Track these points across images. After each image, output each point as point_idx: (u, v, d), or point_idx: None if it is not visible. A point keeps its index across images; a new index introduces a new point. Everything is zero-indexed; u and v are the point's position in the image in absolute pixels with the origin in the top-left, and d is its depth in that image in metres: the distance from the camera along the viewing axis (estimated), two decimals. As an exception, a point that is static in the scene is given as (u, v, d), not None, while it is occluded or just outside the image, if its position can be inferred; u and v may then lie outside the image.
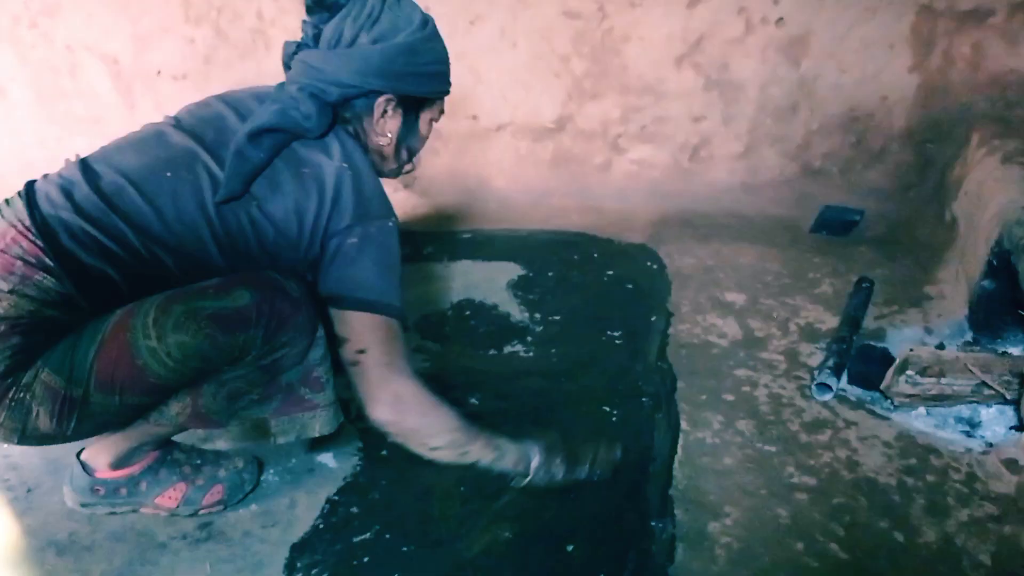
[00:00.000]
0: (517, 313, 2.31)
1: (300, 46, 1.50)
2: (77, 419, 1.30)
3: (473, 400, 1.91)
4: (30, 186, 1.37)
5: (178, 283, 1.35)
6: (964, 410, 1.80)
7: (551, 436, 1.63)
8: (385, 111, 1.50)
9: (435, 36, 1.51)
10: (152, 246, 1.33)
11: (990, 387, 1.75)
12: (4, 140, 3.47)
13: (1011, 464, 1.62)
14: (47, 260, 1.27)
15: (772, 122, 2.95)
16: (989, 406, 1.78)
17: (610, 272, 2.53)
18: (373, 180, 1.50)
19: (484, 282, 2.47)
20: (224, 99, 1.52)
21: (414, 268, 2.56)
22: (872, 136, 2.89)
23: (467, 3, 2.94)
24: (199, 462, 1.59)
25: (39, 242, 1.28)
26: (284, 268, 1.44)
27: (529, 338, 2.17)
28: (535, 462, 1.56)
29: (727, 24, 2.84)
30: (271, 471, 1.68)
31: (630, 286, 2.45)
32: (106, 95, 3.34)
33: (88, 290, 1.31)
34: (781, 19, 2.79)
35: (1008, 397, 1.74)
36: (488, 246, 2.72)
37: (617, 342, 2.15)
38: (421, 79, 1.50)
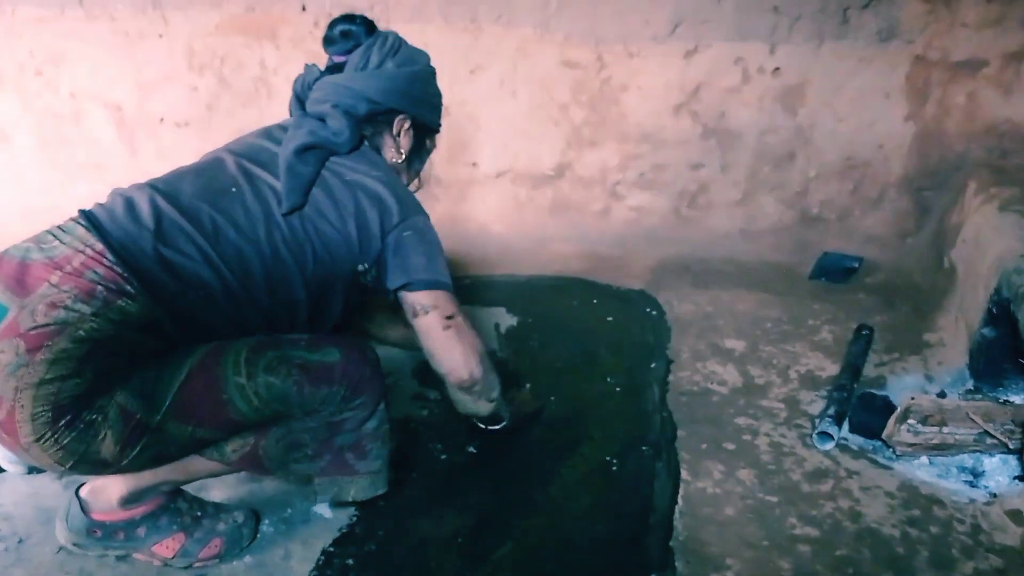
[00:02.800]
0: (516, 359, 2.30)
1: (322, 73, 1.67)
2: (142, 447, 1.32)
3: (471, 449, 1.89)
4: (88, 213, 1.43)
5: (258, 307, 1.47)
6: (967, 459, 1.78)
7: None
8: (402, 129, 1.70)
9: (435, 76, 1.77)
10: (236, 261, 1.44)
11: (993, 436, 1.73)
12: (7, 186, 3.49)
13: (1015, 515, 1.60)
14: (127, 286, 1.32)
15: (770, 169, 2.97)
16: (992, 455, 1.77)
17: (609, 318, 2.53)
18: (404, 183, 1.73)
19: (483, 328, 2.46)
20: (254, 134, 1.68)
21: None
22: (869, 184, 2.91)
23: (468, 52, 2.98)
24: (199, 514, 1.57)
25: (118, 268, 1.33)
26: (343, 280, 1.59)
27: (528, 385, 2.16)
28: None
29: (724, 73, 2.87)
30: (266, 521, 1.66)
31: (629, 332, 2.44)
32: (109, 142, 3.37)
33: (174, 314, 1.36)
34: (778, 69, 2.83)
35: (1011, 447, 1.72)
36: (487, 292, 2.72)
37: (617, 389, 2.13)
38: (432, 108, 1.76)
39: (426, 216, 1.67)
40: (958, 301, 2.29)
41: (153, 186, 1.50)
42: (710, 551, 1.55)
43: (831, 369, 2.16)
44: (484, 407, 1.75)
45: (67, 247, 1.35)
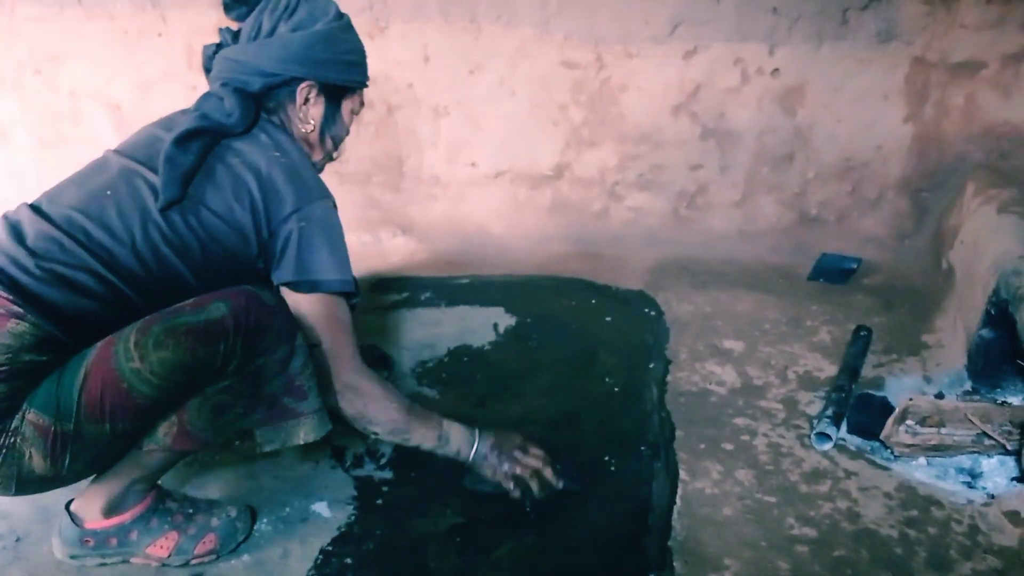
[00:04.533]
0: (514, 360, 2.30)
1: (219, 47, 1.59)
2: (71, 455, 1.31)
3: (470, 448, 1.89)
4: None
5: (152, 301, 1.39)
6: (965, 460, 1.78)
7: (510, 433, 1.72)
8: (308, 98, 1.58)
9: (351, 28, 1.62)
10: (114, 264, 1.40)
11: (991, 437, 1.73)
12: (6, 184, 3.48)
13: (1013, 516, 1.60)
14: (15, 307, 1.29)
15: (769, 170, 2.98)
16: (990, 456, 1.77)
17: (608, 319, 2.53)
18: (307, 164, 1.59)
19: (481, 328, 2.46)
20: (156, 123, 1.62)
21: (411, 314, 2.56)
22: (868, 185, 2.91)
23: (467, 53, 2.98)
24: (191, 511, 1.56)
25: (3, 292, 1.30)
26: (244, 270, 1.51)
27: (526, 385, 2.16)
28: (480, 449, 1.64)
29: (724, 74, 2.87)
30: (264, 520, 1.66)
31: (628, 333, 2.44)
32: (108, 141, 3.33)
33: (67, 327, 1.34)
34: (777, 70, 2.83)
35: (1009, 448, 1.73)
36: (486, 292, 2.71)
37: (615, 389, 2.13)
38: (340, 67, 1.60)
39: (328, 201, 1.56)
40: (956, 302, 2.29)
41: (35, 205, 1.47)
42: (708, 551, 1.55)
43: (829, 370, 2.16)
44: (370, 436, 1.61)
45: None
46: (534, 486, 1.65)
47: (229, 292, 1.38)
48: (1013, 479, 1.71)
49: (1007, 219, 2.19)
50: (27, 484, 1.32)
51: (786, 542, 1.57)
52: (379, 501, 1.70)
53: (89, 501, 1.50)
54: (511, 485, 1.64)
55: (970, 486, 1.72)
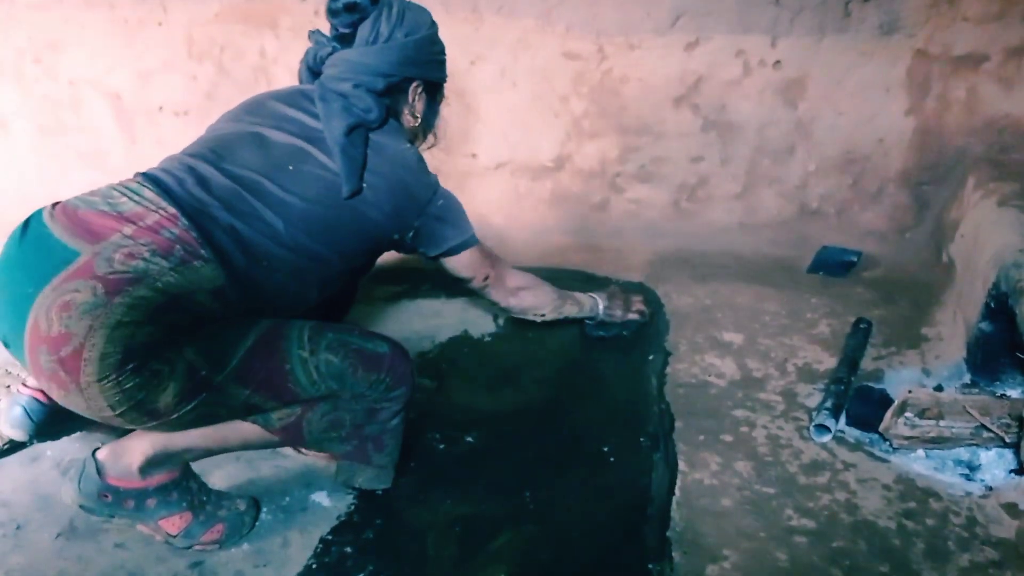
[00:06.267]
0: (514, 351, 2.30)
1: (331, 43, 1.73)
2: (198, 403, 1.38)
3: (469, 439, 1.89)
4: (153, 177, 1.50)
5: (321, 278, 1.65)
6: (963, 453, 1.78)
7: (611, 289, 2.38)
8: (416, 95, 1.80)
9: (438, 30, 1.84)
10: (296, 234, 1.54)
11: (989, 430, 1.74)
12: (5, 174, 3.48)
13: (1011, 508, 1.61)
14: (201, 251, 1.40)
15: (770, 163, 2.97)
16: (988, 449, 1.77)
17: (608, 311, 2.53)
18: (419, 148, 1.87)
19: (481, 319, 2.46)
20: (276, 98, 1.75)
21: (411, 305, 2.56)
22: (869, 178, 2.91)
23: (468, 43, 2.98)
24: (205, 498, 1.57)
25: (193, 232, 1.40)
26: (380, 246, 1.81)
27: (526, 376, 2.16)
28: (601, 305, 2.27)
29: (725, 66, 2.87)
30: (264, 509, 1.66)
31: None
32: (108, 130, 3.36)
33: (238, 282, 1.45)
34: (779, 62, 2.83)
35: (1007, 440, 1.73)
36: (486, 283, 2.71)
37: (614, 381, 2.14)
38: (439, 66, 1.86)
39: (438, 179, 1.84)
40: (956, 295, 2.29)
41: (212, 160, 1.56)
42: (707, 542, 1.55)
43: (829, 362, 2.17)
44: (539, 319, 2.18)
45: (137, 205, 1.42)
46: (646, 314, 2.35)
47: (391, 340, 1.60)
48: (1011, 471, 1.71)
49: (1008, 212, 2.19)
50: (133, 412, 1.33)
51: (784, 533, 1.58)
52: (379, 491, 1.70)
53: (127, 452, 1.47)
54: (636, 317, 2.32)
55: (968, 478, 1.73)
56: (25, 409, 1.72)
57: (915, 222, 2.87)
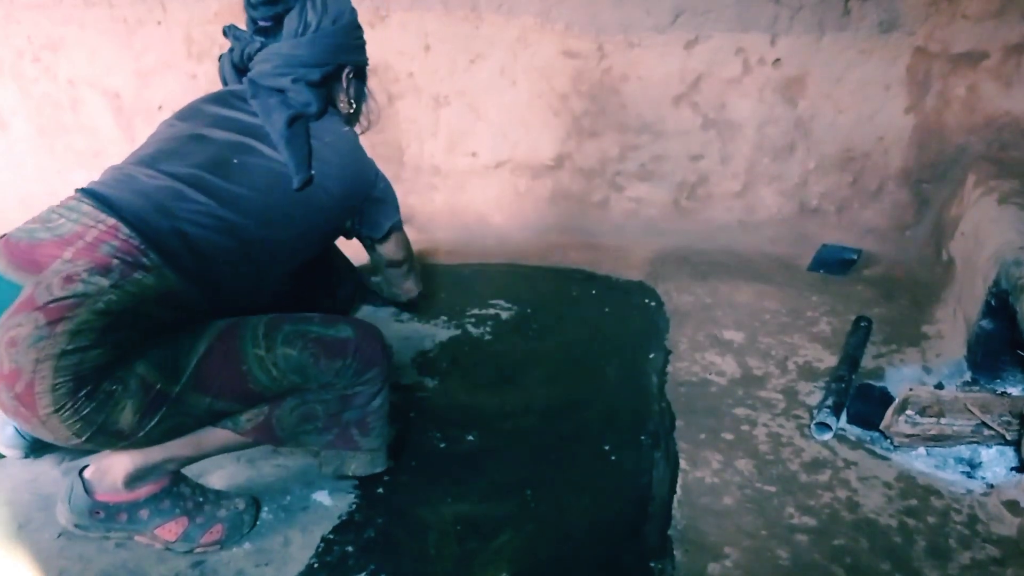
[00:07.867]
0: (514, 349, 2.30)
1: (253, 37, 1.70)
2: (160, 418, 1.35)
3: (470, 437, 1.89)
4: (89, 191, 1.45)
5: (278, 266, 1.60)
6: (964, 450, 1.79)
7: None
8: (348, 80, 1.79)
9: (356, 14, 1.81)
10: (248, 225, 1.50)
11: (990, 427, 1.74)
12: (4, 173, 3.48)
13: (1012, 506, 1.61)
14: (143, 259, 1.35)
15: (769, 161, 2.97)
16: (989, 447, 1.77)
17: (608, 309, 2.53)
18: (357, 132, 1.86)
19: (481, 318, 2.46)
20: (208, 102, 1.72)
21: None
22: (869, 176, 2.91)
23: (467, 42, 2.97)
24: (201, 500, 1.56)
25: (134, 240, 1.36)
26: (334, 232, 1.79)
27: (527, 375, 2.16)
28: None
29: (725, 64, 2.87)
30: (265, 508, 1.66)
31: (628, 323, 2.44)
32: (107, 130, 3.36)
33: (194, 282, 1.41)
34: (778, 60, 2.82)
35: (1008, 438, 1.73)
36: (486, 282, 2.72)
37: (615, 380, 2.14)
38: (362, 49, 1.83)
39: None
40: (956, 293, 2.29)
41: (149, 163, 1.52)
42: (708, 540, 1.55)
43: (829, 360, 2.17)
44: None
45: (75, 224, 1.37)
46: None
47: (357, 321, 1.58)
48: (1012, 469, 1.72)
49: (1008, 210, 2.19)
50: (100, 435, 1.31)
51: (786, 531, 1.58)
52: (380, 490, 1.70)
53: (111, 469, 1.48)
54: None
55: (969, 476, 1.73)
56: (16, 428, 1.70)
57: (915, 220, 2.87)
